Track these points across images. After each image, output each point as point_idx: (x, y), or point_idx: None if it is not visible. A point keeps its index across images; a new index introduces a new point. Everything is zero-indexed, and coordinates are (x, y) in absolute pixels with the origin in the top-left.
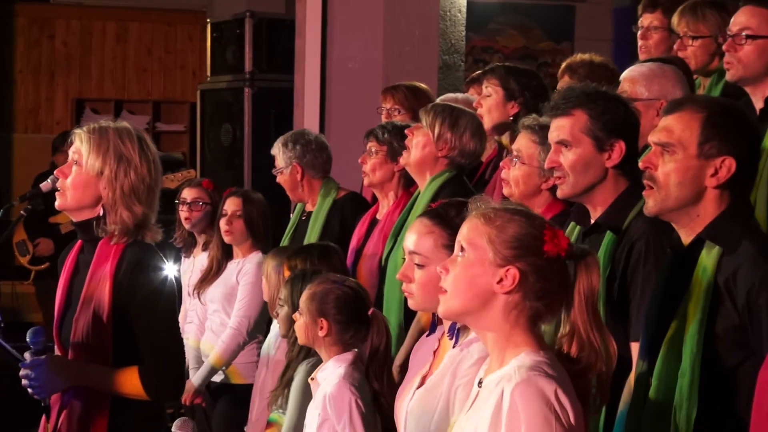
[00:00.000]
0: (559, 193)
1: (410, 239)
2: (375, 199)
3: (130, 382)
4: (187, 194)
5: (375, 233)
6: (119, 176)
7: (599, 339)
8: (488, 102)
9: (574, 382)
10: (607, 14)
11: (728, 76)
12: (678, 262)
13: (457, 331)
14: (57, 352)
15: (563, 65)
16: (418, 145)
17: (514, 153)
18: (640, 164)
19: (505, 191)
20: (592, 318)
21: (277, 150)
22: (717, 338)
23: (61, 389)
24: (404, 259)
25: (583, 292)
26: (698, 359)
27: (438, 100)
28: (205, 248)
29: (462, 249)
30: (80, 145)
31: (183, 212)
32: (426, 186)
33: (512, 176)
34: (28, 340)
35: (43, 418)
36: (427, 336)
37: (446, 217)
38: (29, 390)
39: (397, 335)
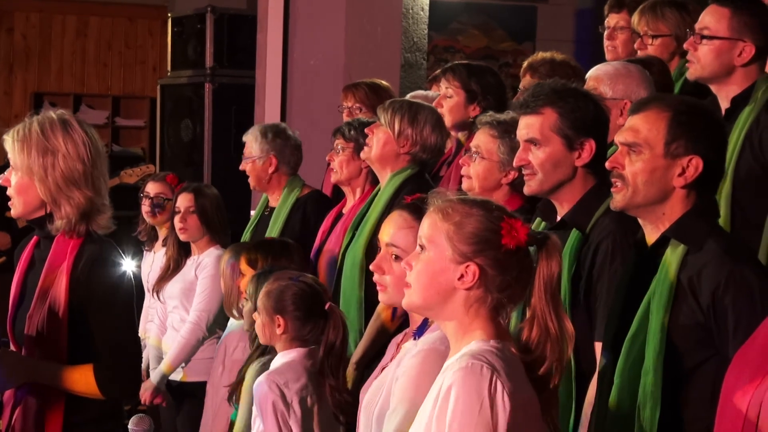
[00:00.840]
0: (527, 190)
1: (388, 232)
2: (337, 197)
3: (85, 379)
4: (151, 189)
5: (337, 228)
6: (48, 170)
7: (556, 324)
8: (449, 103)
9: (530, 372)
10: (570, 16)
11: (688, 74)
12: (641, 260)
13: (423, 326)
14: (11, 347)
15: (525, 64)
16: (379, 142)
17: (473, 149)
18: (607, 165)
19: (465, 186)
20: (550, 303)
21: (253, 138)
22: (680, 336)
23: (15, 386)
24: (379, 249)
25: (543, 278)
26: (661, 357)
27: (408, 97)
28: (165, 243)
29: (422, 246)
30: (9, 150)
31: (145, 206)
32: (387, 182)
33: (473, 172)
34: None
35: None
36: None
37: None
38: None
39: (356, 330)
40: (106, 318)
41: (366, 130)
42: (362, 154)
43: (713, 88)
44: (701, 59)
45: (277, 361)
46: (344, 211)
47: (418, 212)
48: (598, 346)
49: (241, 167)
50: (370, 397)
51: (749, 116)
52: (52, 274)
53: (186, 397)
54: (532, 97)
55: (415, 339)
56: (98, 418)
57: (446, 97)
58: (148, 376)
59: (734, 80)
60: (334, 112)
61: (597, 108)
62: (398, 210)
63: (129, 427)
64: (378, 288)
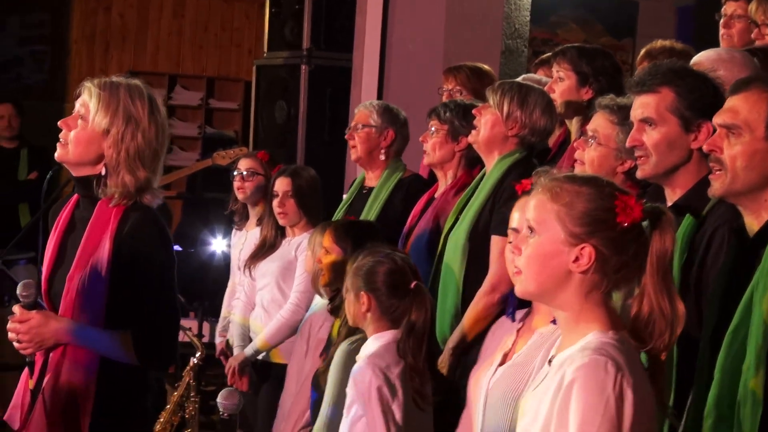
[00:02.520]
0: (640, 174)
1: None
2: (433, 182)
3: (123, 345)
4: (242, 165)
5: (428, 212)
6: (126, 138)
7: (667, 303)
8: (561, 86)
9: (648, 362)
10: (671, 12)
11: None
12: (744, 249)
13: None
14: (45, 307)
15: (642, 51)
16: (487, 123)
17: (590, 133)
18: (705, 147)
19: (577, 172)
20: (662, 281)
21: (373, 109)
22: None
23: (49, 346)
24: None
25: (656, 254)
26: (763, 353)
27: (520, 80)
28: (259, 223)
29: (531, 229)
30: (88, 100)
31: (236, 182)
32: (494, 165)
33: (588, 157)
34: (18, 293)
35: (26, 371)
36: (508, 316)
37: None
38: (15, 344)
39: (453, 315)
40: (149, 286)
41: (474, 111)
42: (470, 138)
43: None
44: None
45: (372, 344)
46: (436, 195)
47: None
48: None
49: (348, 135)
50: (505, 381)
51: None
52: (95, 237)
53: (267, 378)
54: (648, 75)
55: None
56: (128, 388)
57: (557, 81)
58: (231, 352)
59: None
60: (431, 97)
61: (716, 90)
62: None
63: (218, 401)
64: (513, 275)
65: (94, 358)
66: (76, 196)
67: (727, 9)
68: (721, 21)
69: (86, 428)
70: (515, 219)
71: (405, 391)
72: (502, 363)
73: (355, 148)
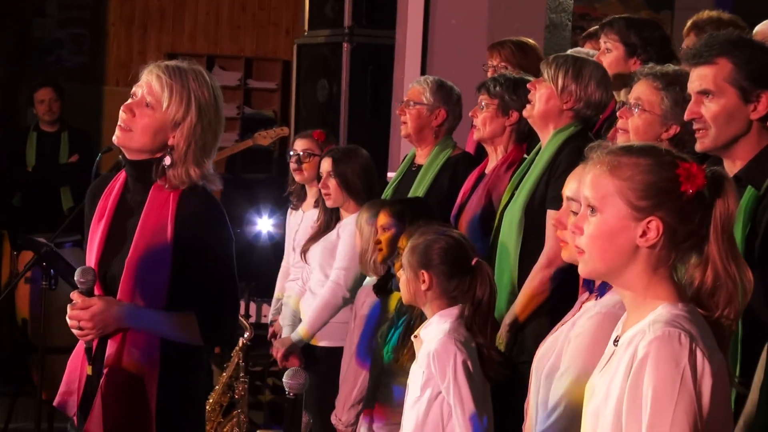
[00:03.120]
0: (699, 147)
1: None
2: (480, 157)
3: (188, 325)
4: (298, 146)
5: (480, 188)
6: (197, 131)
7: (735, 269)
8: (608, 58)
9: (714, 330)
10: None
11: None
12: None
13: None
14: (97, 291)
15: (689, 23)
16: (542, 98)
17: (633, 101)
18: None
19: (620, 141)
20: (727, 246)
21: (426, 86)
22: None
23: (111, 331)
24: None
25: (721, 218)
26: None
27: (569, 52)
28: (316, 205)
29: (592, 207)
30: (159, 90)
31: (293, 164)
32: (549, 140)
33: (632, 125)
34: (75, 279)
35: (75, 355)
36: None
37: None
38: (76, 331)
39: (509, 292)
40: (211, 267)
41: (528, 86)
42: (524, 112)
43: None
44: None
45: (441, 321)
46: (486, 171)
47: None
48: None
49: (399, 111)
50: (542, 353)
51: None
52: (153, 220)
53: (316, 363)
54: (705, 47)
55: (597, 299)
56: (187, 368)
57: (605, 52)
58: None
59: None
60: (475, 73)
61: None
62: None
63: (284, 380)
64: (577, 254)
65: (155, 341)
66: (121, 178)
67: None
68: None
69: (153, 411)
70: (572, 188)
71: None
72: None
73: (405, 125)
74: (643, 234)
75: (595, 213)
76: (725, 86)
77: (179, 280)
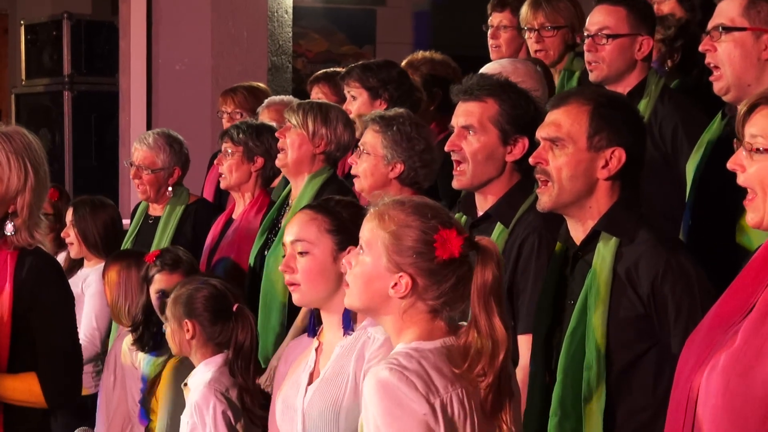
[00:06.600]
0: (456, 184)
1: (292, 230)
2: (219, 202)
3: (29, 387)
4: None
5: (230, 233)
6: (36, 193)
7: (487, 330)
8: (356, 105)
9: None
10: (407, 18)
11: (592, 77)
12: (570, 255)
13: (347, 319)
14: None
15: (404, 63)
16: (293, 144)
17: (360, 147)
18: (531, 160)
19: (356, 186)
20: (484, 309)
21: (158, 148)
22: (620, 329)
23: None
24: (284, 256)
25: (477, 285)
26: (602, 351)
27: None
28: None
29: (362, 248)
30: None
31: None
32: (306, 185)
33: (361, 170)
34: None
35: None
36: (310, 336)
37: (327, 206)
38: None
39: (278, 334)
40: (53, 327)
41: (277, 134)
42: (278, 162)
43: (612, 87)
44: (606, 58)
45: (204, 370)
46: (234, 216)
47: (318, 207)
48: (521, 339)
49: (134, 175)
50: (321, 399)
51: (646, 108)
52: None
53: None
54: (477, 85)
55: (346, 335)
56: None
57: (351, 100)
58: None
59: (632, 76)
60: (201, 117)
61: (536, 108)
62: (299, 211)
63: None
64: (291, 289)
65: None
66: None
67: (494, 20)
68: (489, 32)
69: None
70: (292, 232)
71: (243, 410)
72: (310, 383)
73: (144, 189)
74: (395, 285)
75: (362, 253)
76: (488, 125)
77: (18, 341)
